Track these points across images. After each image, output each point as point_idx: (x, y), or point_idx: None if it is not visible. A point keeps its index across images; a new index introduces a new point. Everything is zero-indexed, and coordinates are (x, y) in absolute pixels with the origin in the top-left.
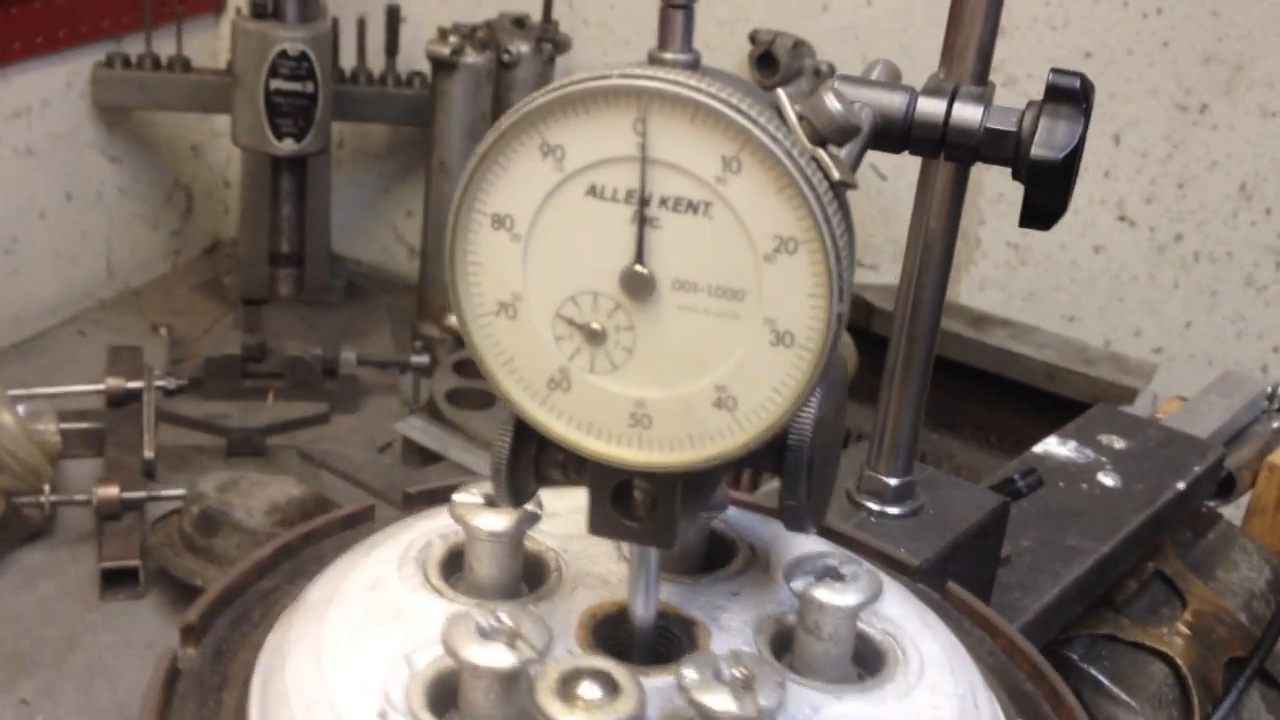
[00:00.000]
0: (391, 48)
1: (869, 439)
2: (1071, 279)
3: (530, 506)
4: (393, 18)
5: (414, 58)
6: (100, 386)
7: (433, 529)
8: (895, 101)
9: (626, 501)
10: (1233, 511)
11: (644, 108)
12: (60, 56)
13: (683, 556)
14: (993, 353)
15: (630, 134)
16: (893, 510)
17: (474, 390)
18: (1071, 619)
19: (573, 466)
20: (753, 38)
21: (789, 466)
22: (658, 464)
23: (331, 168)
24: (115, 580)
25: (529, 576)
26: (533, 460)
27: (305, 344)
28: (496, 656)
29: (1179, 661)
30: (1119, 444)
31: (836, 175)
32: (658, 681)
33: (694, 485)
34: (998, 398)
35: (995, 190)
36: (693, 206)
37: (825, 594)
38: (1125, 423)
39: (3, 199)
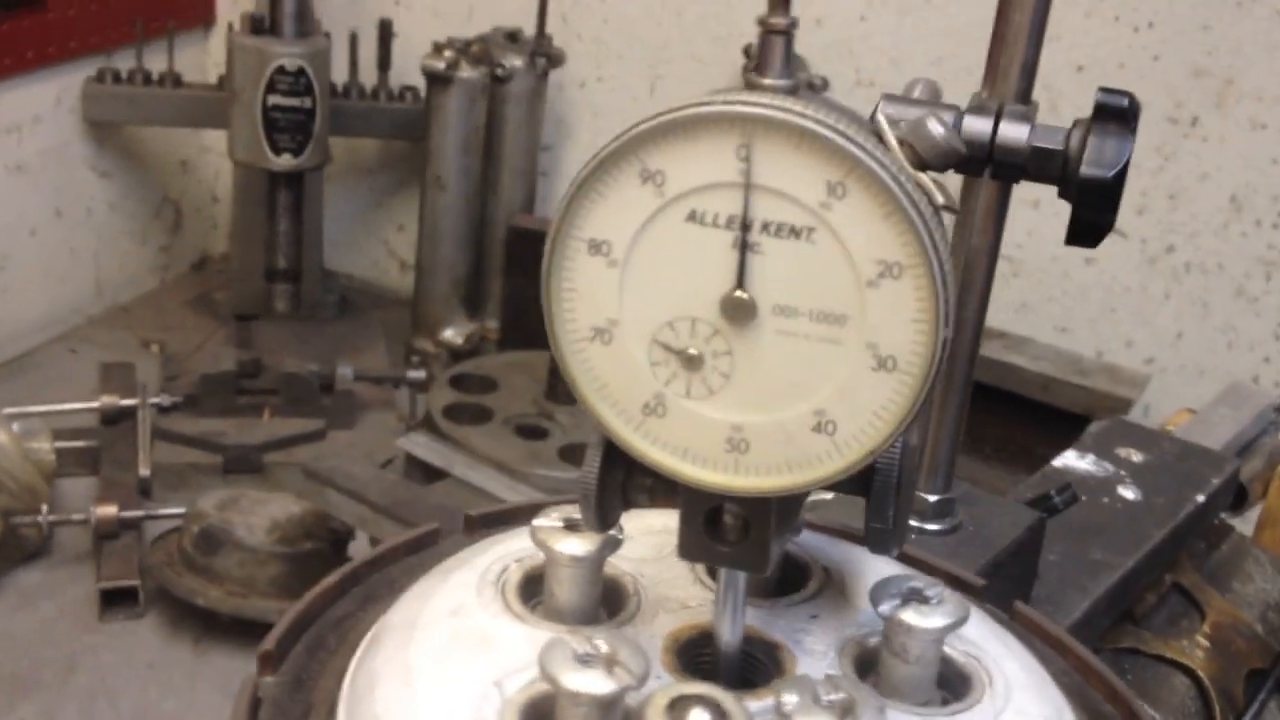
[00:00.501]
0: (384, 62)
1: None
2: (1063, 290)
3: (612, 531)
4: (385, 32)
5: (406, 72)
6: (94, 404)
7: (507, 553)
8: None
9: (718, 526)
10: (1242, 524)
11: (748, 134)
12: (51, 72)
13: (759, 579)
14: (988, 364)
15: (733, 160)
16: (932, 527)
17: (471, 405)
18: (1099, 633)
19: (661, 491)
20: (747, 51)
21: (876, 490)
22: (755, 489)
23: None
24: (114, 600)
25: (607, 601)
26: (620, 485)
27: (300, 360)
28: (595, 683)
29: (1200, 674)
30: (1136, 457)
31: (940, 199)
32: (753, 705)
33: (785, 509)
34: (993, 409)
35: None
36: (795, 232)
37: (912, 617)
38: (1140, 435)
39: None
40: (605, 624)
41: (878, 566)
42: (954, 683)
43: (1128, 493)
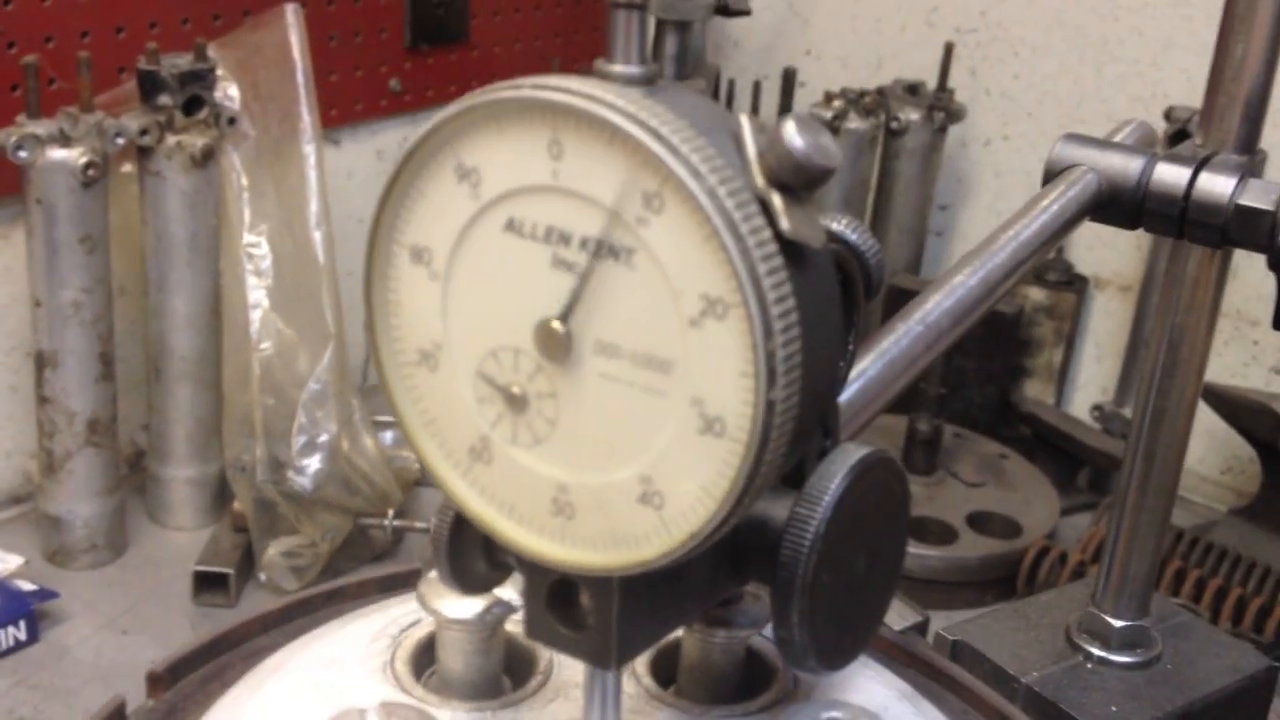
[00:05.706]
0: (785, 110)
1: (1096, 575)
2: None
3: (511, 594)
4: (788, 82)
5: None
6: None
7: None
8: (1128, 166)
9: (567, 605)
10: None
11: (557, 128)
12: None
13: (706, 680)
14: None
15: (546, 159)
16: (1119, 659)
17: None
18: None
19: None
20: (1168, 115)
21: (777, 590)
22: (579, 565)
23: None
24: None
25: (516, 675)
26: (481, 544)
27: None
28: None
29: None
30: None
31: (786, 225)
32: None
33: (636, 593)
34: None
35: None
36: (614, 252)
37: None
38: None
39: None
40: (488, 701)
41: (864, 685)
42: None
43: None
